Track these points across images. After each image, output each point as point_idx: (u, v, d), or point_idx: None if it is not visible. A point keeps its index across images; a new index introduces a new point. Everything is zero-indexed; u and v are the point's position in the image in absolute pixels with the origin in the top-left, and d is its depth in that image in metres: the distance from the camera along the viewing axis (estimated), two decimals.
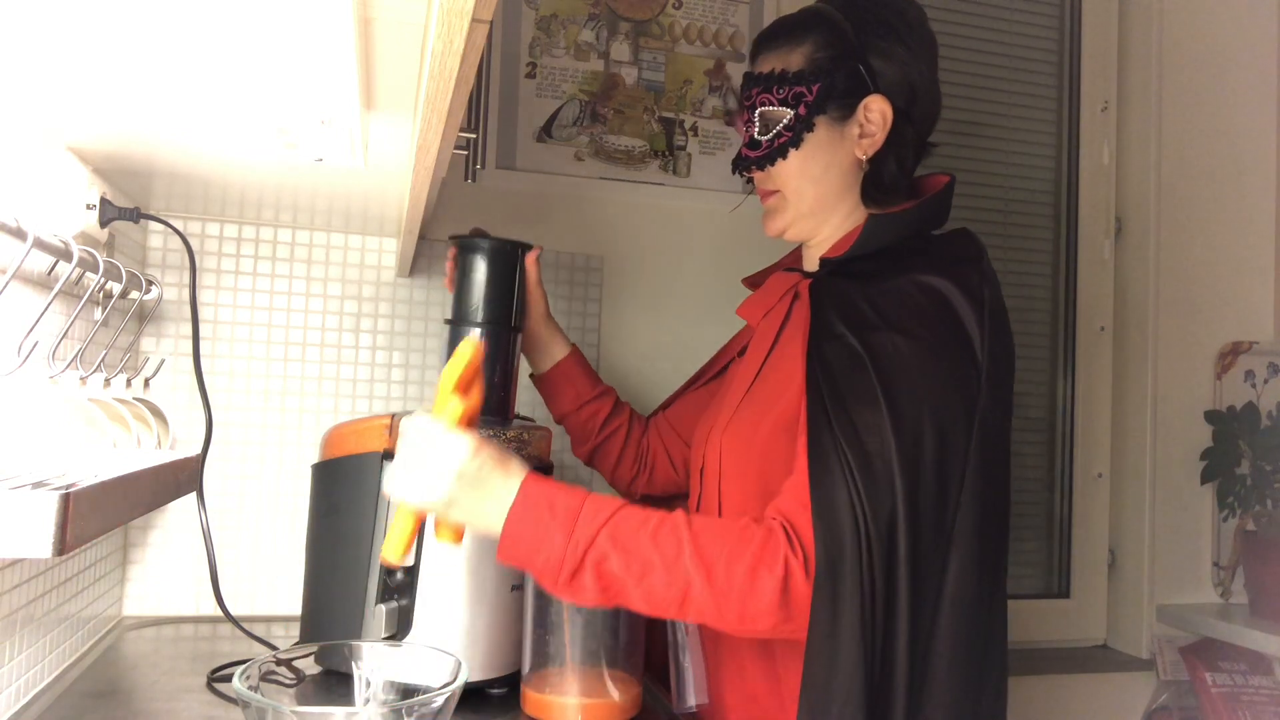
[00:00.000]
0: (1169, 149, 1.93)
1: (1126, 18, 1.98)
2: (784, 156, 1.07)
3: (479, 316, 1.13)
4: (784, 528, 0.88)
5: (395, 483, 0.84)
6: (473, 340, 0.87)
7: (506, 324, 1.15)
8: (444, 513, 0.85)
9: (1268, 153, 2.01)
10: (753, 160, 1.10)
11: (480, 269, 1.14)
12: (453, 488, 0.83)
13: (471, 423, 0.87)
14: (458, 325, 1.14)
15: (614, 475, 1.35)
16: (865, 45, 1.05)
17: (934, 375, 0.93)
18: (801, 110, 1.06)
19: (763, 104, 1.08)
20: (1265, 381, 1.97)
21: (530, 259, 1.20)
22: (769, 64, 1.09)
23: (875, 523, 0.87)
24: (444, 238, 1.51)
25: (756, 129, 1.09)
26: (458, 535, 0.87)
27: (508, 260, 1.16)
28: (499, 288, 1.15)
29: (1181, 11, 1.95)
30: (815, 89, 1.05)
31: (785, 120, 1.07)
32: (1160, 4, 1.94)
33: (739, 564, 0.85)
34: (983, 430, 0.94)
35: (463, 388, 0.86)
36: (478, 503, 0.84)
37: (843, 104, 1.05)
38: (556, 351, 1.29)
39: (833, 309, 1.00)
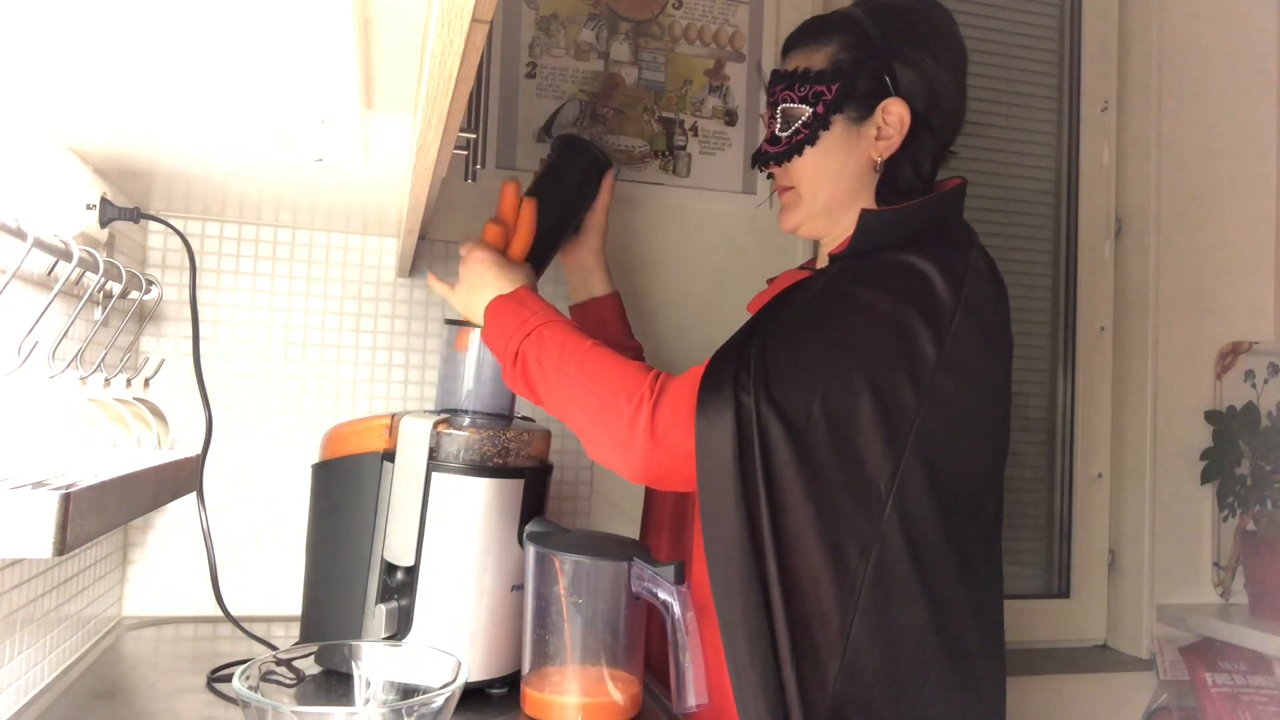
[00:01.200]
0: (1169, 149, 1.93)
1: (1126, 18, 1.98)
2: (800, 153, 1.09)
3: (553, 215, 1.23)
4: (656, 376, 0.98)
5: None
6: (514, 185, 1.19)
7: (602, 160, 1.26)
8: (460, 304, 1.13)
9: (1268, 152, 2.01)
10: (770, 156, 1.12)
11: (571, 165, 1.26)
12: (467, 279, 1.11)
13: (510, 249, 1.17)
14: (454, 322, 1.15)
15: None
16: (890, 50, 1.06)
17: (883, 330, 0.95)
18: (819, 109, 1.07)
19: (784, 100, 1.10)
20: (1265, 381, 1.97)
21: (609, 179, 1.29)
22: (794, 62, 1.11)
23: (765, 446, 0.91)
24: (444, 238, 1.52)
25: (778, 125, 1.11)
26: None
27: (597, 167, 1.27)
28: (579, 187, 1.27)
29: (1181, 11, 1.95)
30: (834, 89, 1.06)
31: (804, 118, 1.08)
32: (1160, 4, 1.94)
33: (601, 389, 0.98)
34: (937, 408, 0.94)
35: (506, 217, 1.18)
36: (474, 292, 1.10)
37: (861, 105, 1.06)
38: (596, 287, 1.35)
39: (819, 280, 1.04)
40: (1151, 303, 1.90)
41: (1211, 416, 1.91)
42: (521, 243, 1.17)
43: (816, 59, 1.09)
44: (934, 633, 0.96)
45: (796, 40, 1.13)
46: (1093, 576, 1.95)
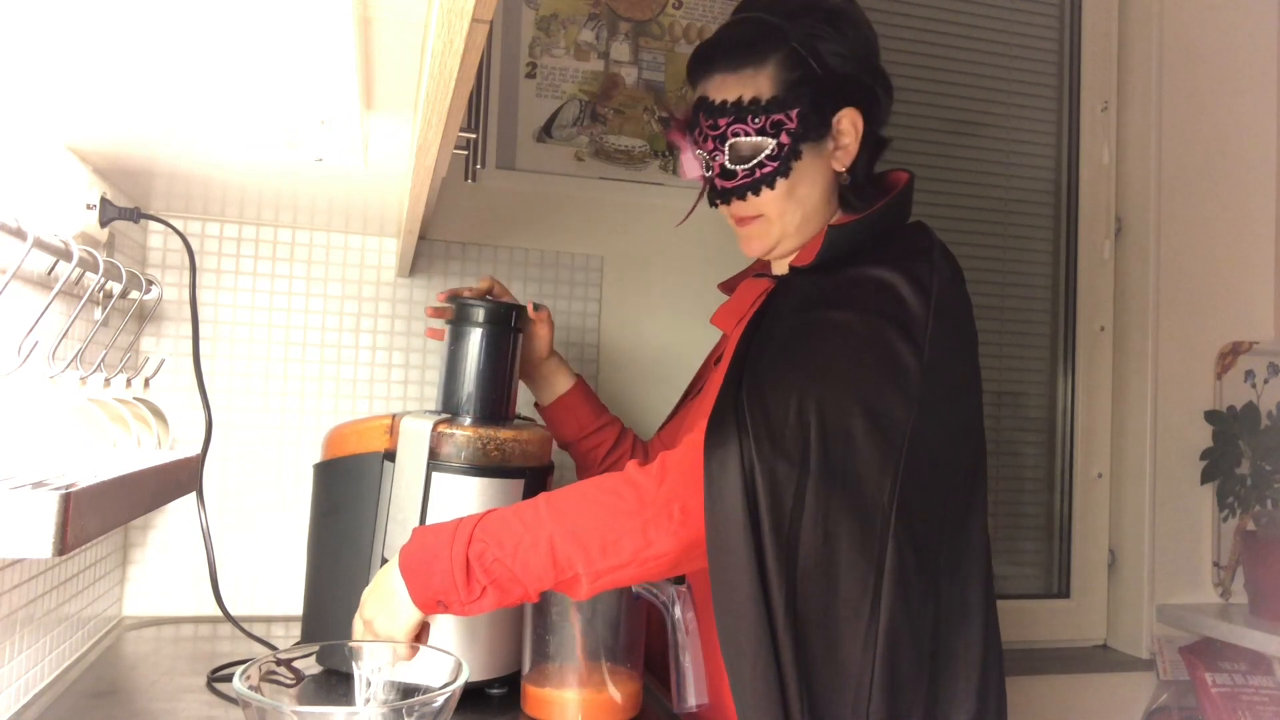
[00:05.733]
0: (1169, 149, 1.93)
1: (1126, 18, 1.98)
2: (771, 186, 1.04)
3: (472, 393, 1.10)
4: (640, 462, 0.92)
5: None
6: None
7: (506, 324, 1.14)
8: (384, 619, 0.90)
9: (1268, 153, 2.01)
10: (733, 191, 1.06)
11: (478, 332, 1.11)
12: (367, 609, 0.91)
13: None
14: (454, 322, 1.14)
15: None
16: (821, 56, 1.03)
17: (865, 349, 0.93)
18: (784, 139, 1.02)
19: (736, 135, 1.04)
20: (1265, 381, 1.97)
21: (528, 315, 1.17)
22: (730, 88, 1.04)
23: (772, 490, 0.88)
24: (444, 238, 1.52)
25: (726, 158, 1.05)
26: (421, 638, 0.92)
27: (506, 322, 1.12)
28: (499, 342, 1.11)
29: (1181, 11, 1.95)
30: (795, 115, 1.02)
31: (767, 150, 1.03)
32: (1160, 4, 1.94)
33: (589, 498, 0.89)
34: (925, 415, 0.92)
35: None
36: (386, 600, 0.90)
37: (820, 124, 1.04)
38: (560, 385, 1.29)
39: (785, 298, 1.02)
40: (1151, 303, 1.90)
41: (1211, 416, 1.91)
42: None
43: (760, 84, 1.03)
44: (944, 640, 0.95)
45: (720, 61, 1.05)
46: (1093, 576, 1.95)
